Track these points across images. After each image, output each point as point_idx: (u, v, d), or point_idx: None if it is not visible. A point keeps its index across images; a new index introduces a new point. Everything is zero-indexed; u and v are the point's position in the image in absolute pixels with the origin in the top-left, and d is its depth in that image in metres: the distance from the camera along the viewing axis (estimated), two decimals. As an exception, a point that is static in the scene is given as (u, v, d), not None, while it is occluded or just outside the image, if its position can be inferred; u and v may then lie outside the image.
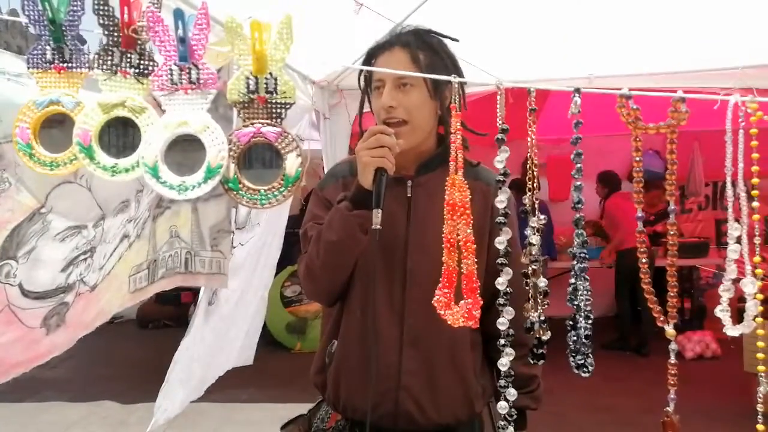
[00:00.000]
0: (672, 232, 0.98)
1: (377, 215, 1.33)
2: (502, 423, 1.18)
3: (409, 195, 1.49)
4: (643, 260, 1.00)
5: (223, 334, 3.22)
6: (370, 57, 1.53)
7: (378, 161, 1.36)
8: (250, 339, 3.57)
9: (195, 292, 7.39)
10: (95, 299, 1.89)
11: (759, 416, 0.96)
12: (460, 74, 1.46)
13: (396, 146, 1.38)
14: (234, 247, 2.98)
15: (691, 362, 5.65)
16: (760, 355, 0.95)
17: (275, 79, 1.07)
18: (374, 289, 1.47)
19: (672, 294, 1.00)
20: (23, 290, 1.57)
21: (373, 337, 1.44)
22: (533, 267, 1.04)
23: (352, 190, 1.44)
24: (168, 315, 7.26)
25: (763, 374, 0.94)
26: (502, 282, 1.02)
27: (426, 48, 1.48)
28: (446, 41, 1.54)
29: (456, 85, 1.11)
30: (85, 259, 1.77)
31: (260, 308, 3.68)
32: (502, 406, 1.09)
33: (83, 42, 1.15)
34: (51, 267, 1.64)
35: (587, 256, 1.00)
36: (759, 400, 0.95)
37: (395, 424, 1.49)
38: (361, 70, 1.55)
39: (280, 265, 4.20)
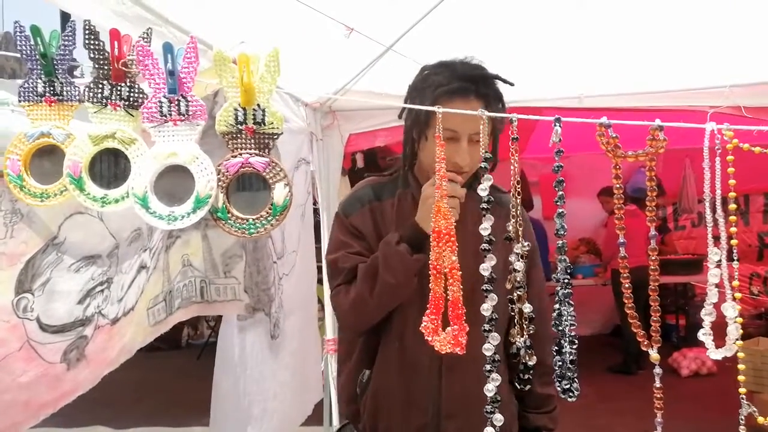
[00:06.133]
0: (653, 258, 0.99)
1: None
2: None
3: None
4: (626, 285, 1.02)
5: (299, 370, 3.23)
6: (436, 99, 1.42)
7: None
8: (317, 372, 3.59)
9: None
10: (117, 334, 1.87)
11: (741, 437, 0.97)
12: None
13: (463, 197, 1.38)
14: (281, 278, 2.99)
15: (687, 379, 5.64)
16: (741, 377, 0.96)
17: (263, 111, 1.09)
18: (410, 319, 1.47)
19: (655, 318, 1.01)
20: (41, 324, 1.54)
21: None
22: (518, 293, 1.06)
23: (410, 231, 1.42)
24: (161, 338, 7.18)
25: (744, 396, 0.96)
26: (486, 308, 1.03)
27: (496, 99, 1.46)
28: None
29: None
30: (102, 291, 1.74)
31: (317, 341, 3.68)
32: (490, 432, 1.10)
33: (75, 68, 1.17)
34: (67, 299, 1.62)
35: (570, 281, 1.01)
36: (741, 421, 0.96)
37: None
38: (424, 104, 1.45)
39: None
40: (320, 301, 3.79)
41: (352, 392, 1.59)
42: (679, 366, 5.75)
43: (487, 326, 1.04)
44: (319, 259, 3.71)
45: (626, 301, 1.01)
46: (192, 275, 2.34)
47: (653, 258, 0.99)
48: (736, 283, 0.94)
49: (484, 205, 1.03)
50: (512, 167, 1.03)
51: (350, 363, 1.61)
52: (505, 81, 1.51)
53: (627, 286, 1.00)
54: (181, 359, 6.78)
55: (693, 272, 6.32)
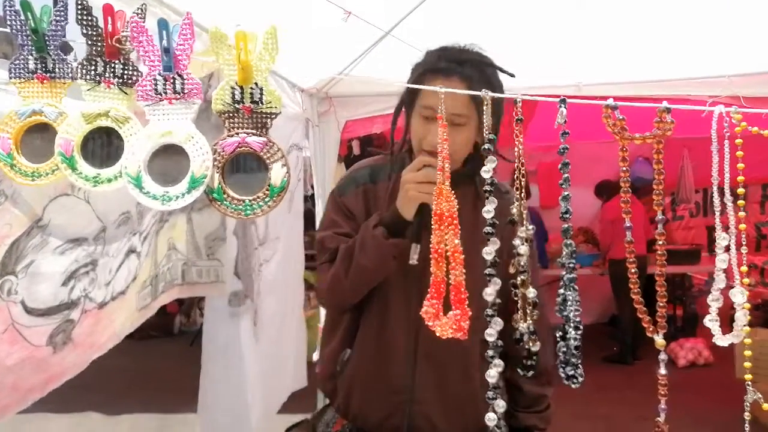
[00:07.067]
0: (660, 242, 0.97)
1: (416, 251, 1.36)
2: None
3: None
4: (633, 270, 1.00)
5: (276, 357, 3.24)
6: (420, 76, 1.43)
7: (424, 197, 1.36)
8: (299, 361, 3.60)
9: (181, 302, 7.35)
10: (106, 318, 1.85)
11: (746, 425, 0.96)
12: (503, 109, 1.42)
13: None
14: (261, 265, 2.98)
15: (684, 370, 5.67)
16: (747, 364, 0.95)
17: (261, 89, 1.07)
18: (391, 304, 1.50)
19: (661, 304, 0.99)
20: (26, 307, 1.53)
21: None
22: (522, 278, 1.04)
23: (389, 215, 1.42)
24: (154, 325, 7.18)
25: (749, 383, 0.94)
26: (490, 293, 1.01)
27: (485, 84, 1.37)
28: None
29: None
30: (87, 273, 1.73)
31: (300, 328, 3.69)
32: (491, 418, 1.08)
33: (69, 49, 1.14)
34: (51, 281, 1.60)
35: (575, 266, 0.99)
36: (746, 408, 0.95)
37: None
38: (409, 82, 1.46)
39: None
40: (315, 288, 3.78)
41: (332, 369, 1.59)
42: (676, 356, 5.77)
43: (489, 311, 1.02)
44: (309, 247, 3.69)
45: (632, 287, 0.99)
46: (175, 258, 2.34)
47: (660, 242, 0.97)
48: (744, 268, 0.92)
49: (487, 188, 1.01)
50: (516, 149, 1.00)
51: (333, 341, 1.62)
52: (503, 71, 1.49)
53: (633, 271, 0.98)
54: (173, 346, 6.77)
55: (690, 262, 6.33)
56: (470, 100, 1.38)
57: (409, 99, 1.49)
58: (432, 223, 1.06)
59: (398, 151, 1.57)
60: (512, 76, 1.49)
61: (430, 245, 1.44)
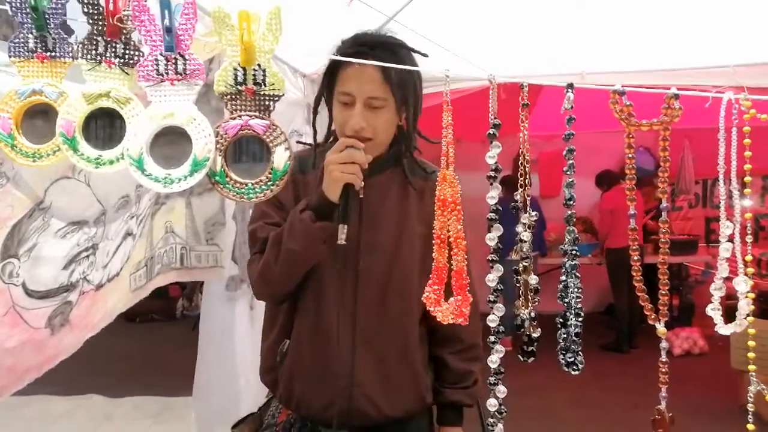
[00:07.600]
0: (664, 230, 0.97)
1: (343, 231, 1.36)
2: (492, 420, 1.17)
3: (361, 196, 1.48)
4: (635, 258, 0.99)
5: None
6: (337, 64, 1.48)
7: (348, 177, 1.38)
8: None
9: (183, 286, 7.36)
10: (102, 300, 1.86)
11: (749, 416, 0.96)
12: (421, 91, 1.50)
13: (365, 163, 1.40)
14: None
15: (679, 359, 5.70)
16: (750, 354, 0.94)
17: (264, 71, 1.05)
18: (326, 290, 1.50)
19: (663, 292, 0.99)
20: (27, 290, 1.53)
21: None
22: (524, 264, 1.03)
23: (315, 199, 1.43)
24: (156, 309, 7.22)
25: (753, 373, 0.94)
26: (492, 279, 1.01)
27: (399, 64, 1.42)
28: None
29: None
30: (87, 256, 1.73)
31: None
32: (492, 404, 1.08)
33: (70, 32, 1.12)
34: (53, 264, 1.60)
35: (578, 253, 0.99)
36: (749, 399, 0.95)
37: (349, 420, 1.52)
38: (326, 72, 1.51)
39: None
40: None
41: (272, 362, 1.59)
42: (672, 345, 5.80)
43: (492, 297, 1.02)
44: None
45: (635, 274, 0.98)
46: (173, 242, 2.33)
47: (664, 230, 0.97)
48: (749, 257, 0.91)
49: (492, 173, 1.00)
50: (521, 135, 0.99)
51: (272, 334, 1.62)
52: (417, 51, 1.50)
53: (636, 258, 0.98)
54: (175, 330, 6.80)
55: (688, 253, 6.35)
56: (384, 82, 1.42)
57: (327, 88, 1.52)
58: (437, 209, 1.05)
59: (325, 141, 1.60)
60: (425, 56, 1.51)
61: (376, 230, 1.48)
